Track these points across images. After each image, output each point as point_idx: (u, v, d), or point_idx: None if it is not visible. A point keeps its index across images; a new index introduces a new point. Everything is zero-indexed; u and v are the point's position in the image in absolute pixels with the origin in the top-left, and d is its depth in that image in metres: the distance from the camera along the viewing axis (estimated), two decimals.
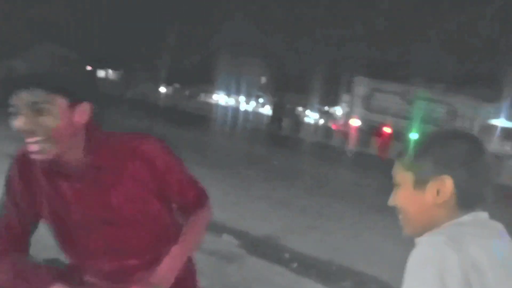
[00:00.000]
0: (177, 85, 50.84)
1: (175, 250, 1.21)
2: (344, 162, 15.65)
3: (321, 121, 50.11)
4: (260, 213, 4.99)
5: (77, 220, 1.18)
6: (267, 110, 52.94)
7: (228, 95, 57.32)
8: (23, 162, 1.18)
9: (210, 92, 55.63)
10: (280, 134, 24.88)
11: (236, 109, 42.19)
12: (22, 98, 1.02)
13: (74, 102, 1.06)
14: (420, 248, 0.83)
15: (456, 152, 0.90)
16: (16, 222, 1.20)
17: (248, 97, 57.47)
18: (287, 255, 3.57)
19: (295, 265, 3.39)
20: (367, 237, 4.88)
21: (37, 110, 1.03)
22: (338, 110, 50.68)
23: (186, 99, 40.21)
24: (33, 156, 1.06)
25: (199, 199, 1.33)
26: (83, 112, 1.09)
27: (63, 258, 1.31)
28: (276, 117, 32.11)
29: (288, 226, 4.61)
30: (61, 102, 1.04)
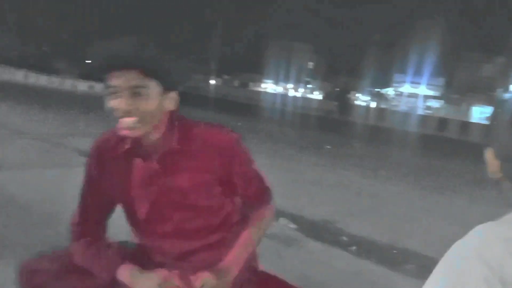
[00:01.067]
0: (226, 76, 51.53)
1: (239, 246, 1.25)
2: (396, 143, 15.11)
3: (373, 104, 48.56)
4: (316, 197, 4.95)
5: (149, 202, 1.23)
6: (316, 95, 52.12)
7: (277, 82, 57.11)
8: (100, 150, 1.26)
9: (259, 80, 55.78)
10: (331, 118, 24.50)
11: (285, 96, 42.00)
12: (123, 79, 1.09)
13: (167, 89, 1.14)
14: (475, 239, 0.67)
15: None
16: (94, 207, 1.29)
17: (297, 83, 56.91)
18: (345, 238, 3.52)
19: (354, 248, 3.34)
20: (428, 219, 4.69)
21: (136, 92, 1.10)
22: (390, 91, 48.81)
23: (236, 89, 40.66)
24: (124, 133, 1.13)
25: (262, 196, 1.35)
26: (172, 99, 1.16)
27: (132, 240, 1.38)
28: (333, 101, 31.50)
29: (344, 210, 4.54)
30: (157, 87, 1.12)
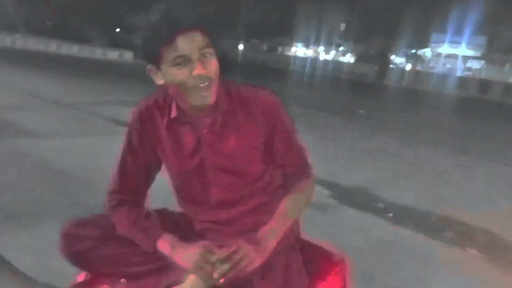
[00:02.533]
0: (255, 41, 50.74)
1: (277, 217, 1.20)
2: (435, 107, 14.55)
3: (408, 66, 46.71)
4: (350, 163, 4.85)
5: (195, 166, 1.22)
6: (348, 58, 50.64)
7: (307, 46, 55.74)
8: (143, 115, 1.23)
9: (289, 44, 54.61)
10: (365, 81, 23.81)
11: (315, 60, 41.06)
12: (193, 44, 1.06)
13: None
14: None
15: None
16: (135, 175, 1.26)
17: (328, 46, 55.33)
18: (381, 205, 3.44)
19: (390, 215, 3.26)
20: (469, 185, 4.52)
21: (204, 54, 1.09)
22: (427, 53, 46.66)
23: (265, 53, 40.05)
24: (197, 103, 1.12)
25: (304, 168, 1.29)
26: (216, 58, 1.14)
27: (172, 208, 1.36)
28: (368, 64, 30.48)
29: (380, 176, 4.43)
30: (212, 47, 1.11)
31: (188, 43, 1.06)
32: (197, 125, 1.19)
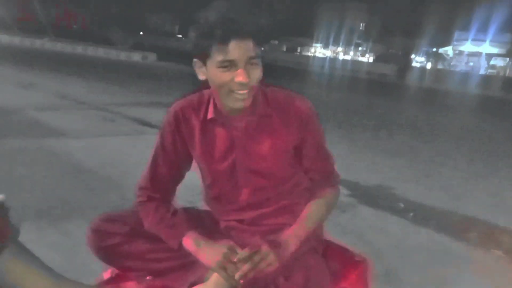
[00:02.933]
0: (274, 42, 50.65)
1: (300, 223, 1.22)
2: (457, 107, 14.24)
3: (429, 64, 45.73)
4: (369, 163, 4.83)
5: (227, 166, 1.25)
6: (367, 58, 49.96)
7: (326, 46, 55.28)
8: (177, 116, 1.27)
9: (308, 44, 54.28)
10: (385, 81, 23.48)
11: (334, 60, 40.69)
12: (243, 50, 1.09)
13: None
14: None
15: None
16: (166, 173, 1.30)
17: (347, 46, 54.72)
18: (401, 205, 3.42)
19: (411, 214, 3.24)
20: (492, 184, 4.43)
21: (251, 63, 1.11)
22: (449, 51, 45.58)
23: (284, 54, 39.94)
24: (236, 106, 1.14)
25: (331, 176, 1.32)
26: (261, 66, 1.16)
27: (198, 206, 1.40)
28: (388, 63, 29.98)
29: (400, 175, 4.39)
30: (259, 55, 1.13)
31: (239, 50, 1.08)
32: (232, 127, 1.22)
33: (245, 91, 1.12)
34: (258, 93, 1.21)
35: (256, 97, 1.20)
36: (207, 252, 1.13)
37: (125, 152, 4.10)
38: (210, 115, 1.22)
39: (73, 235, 2.27)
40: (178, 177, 1.34)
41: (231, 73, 1.10)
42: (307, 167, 1.29)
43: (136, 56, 20.79)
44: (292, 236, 1.18)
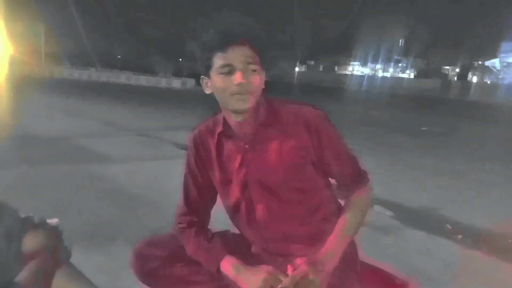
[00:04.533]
0: (311, 62, 50.78)
1: (336, 234, 1.20)
2: (507, 122, 13.49)
3: (475, 78, 43.93)
4: (414, 182, 4.65)
5: (240, 181, 1.25)
6: (408, 74, 48.78)
7: (364, 64, 54.65)
8: (196, 140, 1.31)
9: (345, 63, 53.96)
10: (427, 96, 22.78)
11: (373, 77, 40.09)
12: (240, 55, 1.13)
13: (262, 67, 1.18)
14: None
15: None
16: (198, 197, 1.33)
17: (387, 62, 53.83)
18: (449, 226, 3.25)
19: (460, 236, 3.07)
20: None
21: (248, 69, 1.14)
22: (496, 63, 43.63)
23: (321, 73, 39.86)
24: (235, 107, 1.17)
25: (358, 177, 1.28)
26: (264, 76, 1.19)
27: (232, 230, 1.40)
28: (431, 78, 29.20)
29: (447, 195, 4.19)
30: (259, 64, 1.16)
31: (236, 54, 1.12)
32: (240, 139, 1.23)
33: (243, 96, 1.14)
34: (264, 103, 1.22)
35: (260, 107, 1.21)
36: (247, 278, 1.13)
37: (164, 175, 4.20)
38: (219, 129, 1.25)
39: (117, 258, 2.33)
40: (210, 200, 1.35)
41: (229, 77, 1.13)
42: (334, 173, 1.26)
43: (176, 83, 21.54)
44: (331, 252, 1.15)
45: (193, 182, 1.32)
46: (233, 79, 1.13)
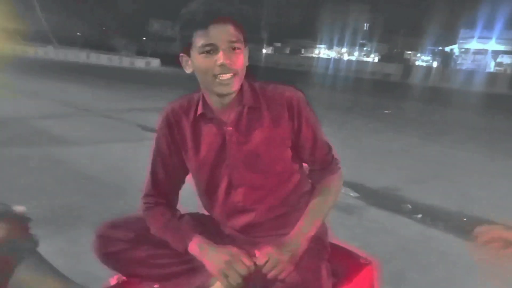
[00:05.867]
0: (277, 44, 50.73)
1: (305, 218, 1.21)
2: (464, 105, 14.13)
3: (435, 63, 45.51)
4: (376, 164, 4.79)
5: (219, 163, 1.23)
6: (372, 58, 49.83)
7: (330, 47, 55.25)
8: (169, 119, 1.26)
9: (312, 46, 54.29)
10: (389, 81, 23.43)
11: (338, 61, 40.65)
12: (223, 34, 1.09)
13: (246, 45, 1.15)
14: None
15: None
16: (166, 178, 1.29)
17: (352, 46, 54.64)
18: (409, 206, 3.38)
19: (419, 216, 3.20)
20: (500, 184, 4.37)
21: (233, 48, 1.11)
22: (455, 49, 45.35)
23: (288, 56, 39.97)
24: (220, 91, 1.13)
25: (330, 163, 1.29)
26: (247, 55, 1.16)
27: (202, 212, 1.38)
28: (394, 63, 29.91)
29: (407, 177, 4.35)
30: (243, 42, 1.13)
31: (219, 33, 1.08)
32: (222, 122, 1.20)
33: (228, 75, 1.11)
34: (246, 85, 1.20)
35: (243, 89, 1.19)
36: (211, 259, 1.12)
37: (128, 157, 4.10)
38: (199, 111, 1.21)
39: (79, 241, 2.27)
40: (178, 181, 1.32)
41: (213, 57, 1.09)
42: (306, 157, 1.26)
43: (139, 62, 20.91)
44: (300, 234, 1.16)
45: (161, 162, 1.28)
46: (216, 59, 1.09)
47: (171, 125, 1.25)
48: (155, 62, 21.39)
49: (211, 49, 1.09)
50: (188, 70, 1.17)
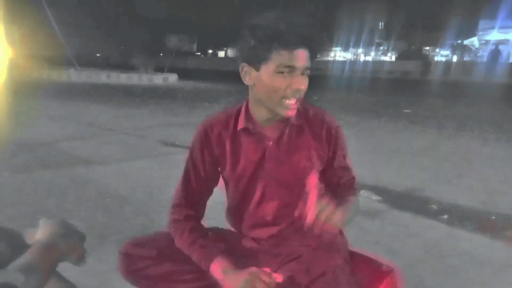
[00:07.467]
0: None
1: (351, 203, 1.25)
2: (487, 99, 13.73)
3: (454, 57, 44.49)
4: (398, 165, 4.71)
5: (255, 177, 1.26)
6: (389, 57, 49.14)
7: (346, 49, 54.81)
8: (206, 132, 1.29)
9: (327, 50, 53.96)
10: (409, 79, 23.02)
11: (355, 62, 40.29)
12: (305, 59, 1.13)
13: None
14: None
15: None
16: (196, 188, 1.33)
17: (368, 47, 54.06)
18: (434, 207, 3.31)
19: (445, 216, 3.13)
20: None
21: (304, 74, 1.15)
22: (475, 41, 44.20)
23: None
24: (288, 114, 1.17)
25: (352, 186, 1.33)
26: None
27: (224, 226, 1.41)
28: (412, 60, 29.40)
29: (432, 177, 4.26)
30: None
31: (301, 57, 1.11)
32: (264, 137, 1.24)
33: (295, 100, 1.15)
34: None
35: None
36: (231, 281, 1.15)
37: (150, 174, 4.17)
38: (241, 125, 1.24)
39: (106, 260, 2.31)
40: (208, 192, 1.36)
41: (288, 79, 1.12)
42: (336, 179, 1.30)
43: (157, 79, 21.29)
44: (347, 207, 1.17)
45: (195, 174, 1.32)
46: (293, 82, 1.12)
47: (208, 138, 1.29)
48: (172, 77, 21.72)
49: (289, 71, 1.11)
50: (249, 82, 1.19)
